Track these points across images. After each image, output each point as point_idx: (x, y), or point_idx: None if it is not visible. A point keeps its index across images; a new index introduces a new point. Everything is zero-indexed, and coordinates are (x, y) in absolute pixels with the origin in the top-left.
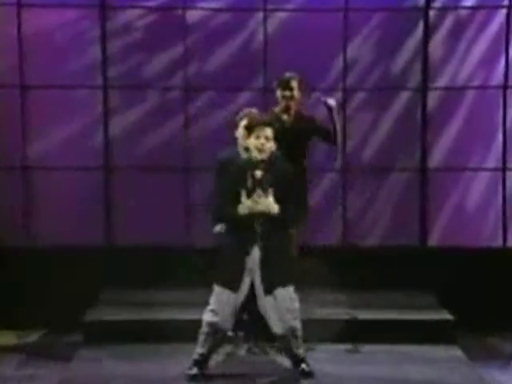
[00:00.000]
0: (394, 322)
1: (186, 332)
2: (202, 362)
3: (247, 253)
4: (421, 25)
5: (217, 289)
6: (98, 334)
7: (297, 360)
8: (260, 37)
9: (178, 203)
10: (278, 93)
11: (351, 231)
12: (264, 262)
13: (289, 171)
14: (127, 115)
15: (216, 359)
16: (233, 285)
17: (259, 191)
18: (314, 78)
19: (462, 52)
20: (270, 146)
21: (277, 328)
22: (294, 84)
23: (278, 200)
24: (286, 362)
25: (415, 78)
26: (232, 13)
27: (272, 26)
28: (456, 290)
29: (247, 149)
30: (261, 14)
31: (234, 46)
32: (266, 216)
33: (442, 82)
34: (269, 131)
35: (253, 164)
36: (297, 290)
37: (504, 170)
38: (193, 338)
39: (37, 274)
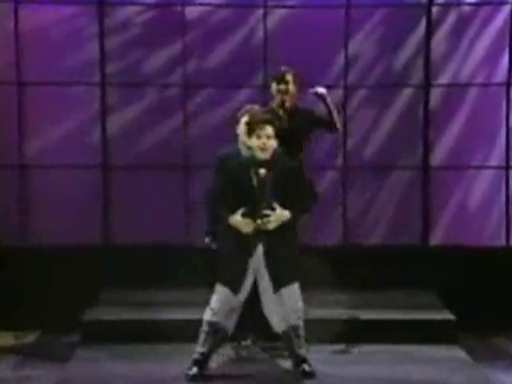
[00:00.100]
0: (395, 321)
1: (186, 332)
2: (201, 362)
3: (250, 253)
4: (423, 21)
5: (218, 288)
6: (96, 333)
7: (298, 360)
8: (260, 33)
9: (178, 202)
10: (273, 87)
11: (352, 230)
12: (269, 261)
13: (293, 166)
14: (125, 113)
15: (216, 360)
16: (234, 285)
17: (263, 206)
18: (315, 75)
19: (465, 48)
20: (272, 143)
21: (279, 327)
22: (289, 78)
23: (286, 197)
24: (286, 362)
25: (417, 75)
26: (232, 9)
27: (272, 23)
28: (458, 289)
29: (249, 147)
30: (261, 11)
31: (234, 42)
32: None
33: (444, 78)
34: (269, 129)
35: (256, 162)
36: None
37: (507, 168)
38: (192, 338)
39: (34, 273)
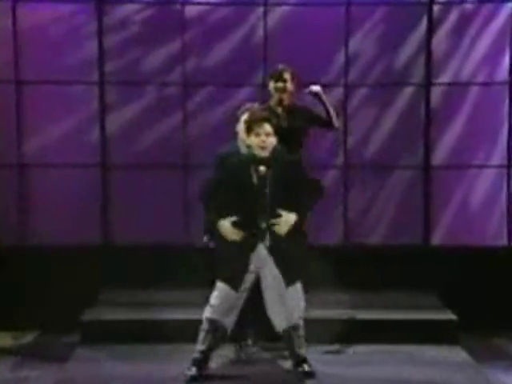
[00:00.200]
0: (396, 321)
1: (186, 332)
2: (201, 362)
3: (251, 249)
4: (425, 19)
5: (218, 285)
6: (95, 334)
7: (298, 360)
8: (260, 31)
9: (177, 201)
10: (271, 85)
11: (353, 230)
12: (276, 260)
13: (293, 160)
14: (124, 111)
15: (216, 361)
16: (234, 282)
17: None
18: (316, 73)
19: (467, 47)
20: (271, 141)
21: (280, 326)
22: (287, 76)
23: (290, 193)
24: (287, 362)
25: (418, 74)
26: (231, 7)
27: (272, 21)
28: (460, 289)
29: (248, 145)
30: (261, 9)
31: (234, 40)
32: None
33: (445, 77)
34: (268, 127)
35: (256, 160)
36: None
37: (509, 167)
38: (192, 338)
39: (33, 273)
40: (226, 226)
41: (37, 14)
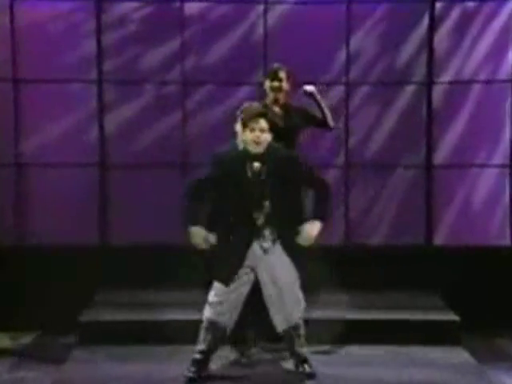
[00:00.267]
0: (398, 322)
1: (185, 333)
2: (200, 363)
3: (246, 248)
4: (426, 17)
5: (215, 284)
6: (93, 334)
7: (299, 360)
8: (260, 29)
9: (177, 201)
10: (267, 84)
11: (354, 230)
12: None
13: (289, 156)
14: (123, 110)
15: (216, 362)
16: (228, 280)
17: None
18: (316, 71)
19: (469, 45)
20: (266, 137)
21: (280, 326)
22: (283, 75)
23: (288, 188)
24: (287, 363)
25: (420, 72)
26: (231, 5)
27: (272, 19)
28: (462, 289)
29: (244, 141)
30: (261, 6)
31: (234, 38)
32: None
33: (447, 75)
34: (263, 122)
35: (250, 156)
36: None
37: (511, 166)
38: (192, 339)
39: (31, 273)
40: (193, 228)
41: (35, 11)
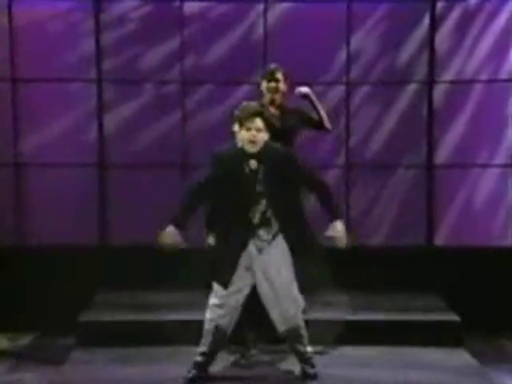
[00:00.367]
0: (399, 323)
1: (184, 334)
2: (202, 365)
3: (242, 248)
4: (427, 16)
5: (214, 286)
6: (92, 335)
7: (302, 360)
8: (260, 29)
9: (176, 201)
10: (263, 85)
11: (355, 230)
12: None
13: (288, 155)
14: (122, 110)
15: (216, 364)
16: (225, 281)
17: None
18: (317, 71)
19: (470, 44)
20: (262, 136)
21: (280, 327)
22: (279, 76)
23: (286, 187)
24: (288, 364)
25: (421, 72)
26: (231, 4)
27: (272, 18)
28: (464, 290)
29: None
30: (261, 5)
31: (233, 38)
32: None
33: (449, 75)
34: (259, 122)
35: (247, 154)
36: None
37: None
38: (191, 340)
39: (30, 274)
40: (168, 230)
41: (33, 10)
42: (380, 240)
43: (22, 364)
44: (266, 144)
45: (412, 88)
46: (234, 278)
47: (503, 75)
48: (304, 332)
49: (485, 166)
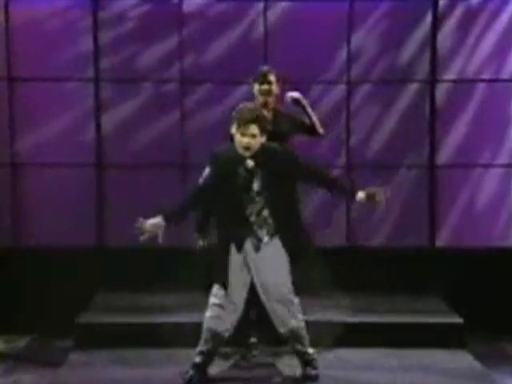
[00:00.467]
0: (400, 325)
1: (183, 336)
2: (200, 366)
3: (240, 246)
4: (429, 14)
5: (215, 287)
6: (90, 337)
7: (302, 361)
8: (260, 27)
9: (175, 201)
10: (256, 87)
11: (356, 231)
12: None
13: (285, 152)
14: (120, 109)
15: (216, 364)
16: (225, 282)
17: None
18: (317, 70)
19: (473, 43)
20: (256, 142)
21: (279, 328)
22: (272, 78)
23: (284, 183)
24: (288, 365)
25: (423, 71)
26: (231, 2)
27: (273, 16)
28: (466, 292)
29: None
30: (261, 4)
31: (233, 36)
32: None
33: (451, 74)
34: (254, 129)
35: (244, 157)
36: (300, 292)
37: None
38: (190, 342)
39: (27, 275)
40: (155, 219)
41: (30, 8)
42: (381, 241)
43: (20, 366)
44: (263, 145)
45: (414, 87)
46: (232, 277)
47: (506, 74)
48: (304, 333)
49: (487, 166)
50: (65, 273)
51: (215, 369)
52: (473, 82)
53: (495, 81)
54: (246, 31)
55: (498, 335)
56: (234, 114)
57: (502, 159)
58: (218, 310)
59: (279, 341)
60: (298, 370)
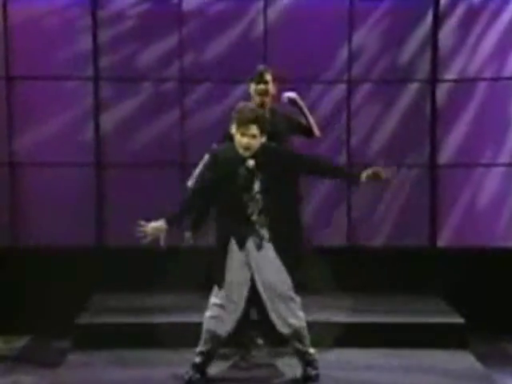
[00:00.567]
0: (401, 325)
1: (182, 336)
2: (200, 366)
3: (242, 244)
4: (430, 13)
5: (216, 287)
6: (89, 337)
7: (303, 362)
8: (260, 26)
9: (175, 201)
10: (252, 87)
11: (356, 231)
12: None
13: (284, 150)
14: (120, 108)
15: (215, 365)
16: (220, 281)
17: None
18: (317, 69)
19: (474, 42)
20: (256, 143)
21: (279, 328)
22: (268, 77)
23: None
24: (289, 365)
25: (424, 70)
26: (230, 0)
27: (273, 14)
28: (467, 292)
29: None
30: (261, 2)
31: (233, 35)
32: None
33: (452, 73)
34: (254, 129)
35: (244, 157)
36: (300, 293)
37: None
38: (188, 342)
39: (25, 275)
40: (157, 223)
41: (29, 7)
42: (382, 240)
43: (18, 366)
44: (263, 144)
45: (414, 86)
46: (232, 276)
47: (507, 73)
48: (306, 332)
49: (489, 165)
50: (64, 273)
51: (215, 369)
52: (474, 81)
53: (496, 80)
54: (245, 30)
55: (499, 335)
56: (233, 113)
57: (504, 158)
58: (219, 310)
59: (279, 341)
60: (298, 371)
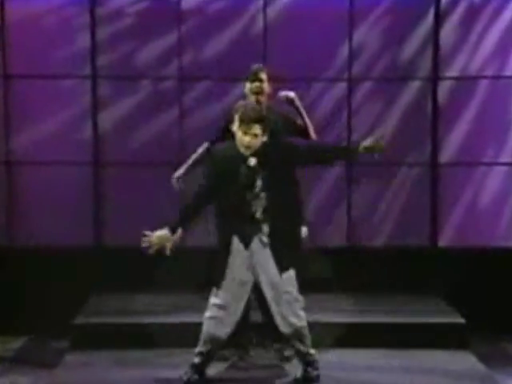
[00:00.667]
0: (402, 325)
1: (180, 336)
2: (199, 366)
3: (248, 243)
4: (432, 11)
5: (214, 288)
6: (87, 338)
7: (304, 362)
8: (260, 24)
9: (174, 200)
10: (247, 86)
11: (357, 231)
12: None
13: (285, 143)
14: (118, 107)
15: (215, 366)
16: (219, 281)
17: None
18: (318, 67)
19: (475, 40)
20: (257, 142)
21: (280, 327)
22: (263, 76)
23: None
24: (289, 366)
25: (425, 68)
26: None
27: (273, 12)
28: (468, 292)
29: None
30: (261, 0)
31: (232, 33)
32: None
33: (453, 71)
34: (257, 129)
35: (245, 155)
36: (301, 292)
37: None
38: (187, 343)
39: (22, 275)
40: (162, 231)
41: (27, 5)
42: (383, 240)
43: (16, 367)
44: (265, 143)
45: (415, 85)
46: (235, 275)
47: (509, 71)
48: (307, 333)
49: (490, 164)
50: (62, 273)
51: (213, 370)
52: (475, 79)
53: (498, 78)
54: (245, 28)
55: (500, 336)
56: (235, 111)
57: (506, 157)
58: (218, 311)
59: (281, 339)
60: (298, 371)
